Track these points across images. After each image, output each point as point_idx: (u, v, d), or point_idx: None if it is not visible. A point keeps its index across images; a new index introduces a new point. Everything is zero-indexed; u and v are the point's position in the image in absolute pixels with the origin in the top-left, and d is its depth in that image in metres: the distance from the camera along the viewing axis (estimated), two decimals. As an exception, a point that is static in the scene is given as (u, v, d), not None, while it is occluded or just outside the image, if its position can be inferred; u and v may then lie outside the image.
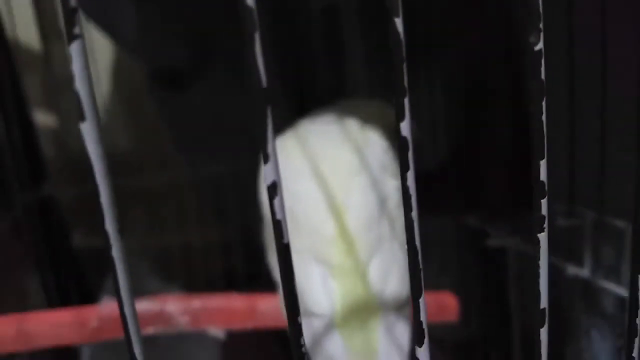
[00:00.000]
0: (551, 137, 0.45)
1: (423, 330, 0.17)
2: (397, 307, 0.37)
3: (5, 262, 0.60)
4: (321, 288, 0.37)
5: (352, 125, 0.44)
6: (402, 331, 0.37)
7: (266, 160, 0.15)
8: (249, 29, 0.14)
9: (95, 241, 0.81)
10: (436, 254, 0.59)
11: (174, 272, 0.73)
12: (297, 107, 0.76)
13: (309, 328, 0.37)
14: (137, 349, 0.14)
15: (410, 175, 0.17)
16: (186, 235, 0.74)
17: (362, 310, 0.37)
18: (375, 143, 0.43)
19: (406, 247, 0.39)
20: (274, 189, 0.15)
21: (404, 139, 0.18)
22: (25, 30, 0.66)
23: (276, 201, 0.16)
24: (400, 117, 0.18)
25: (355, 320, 0.36)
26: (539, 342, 0.20)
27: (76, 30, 0.12)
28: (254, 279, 0.76)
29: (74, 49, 0.13)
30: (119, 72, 0.92)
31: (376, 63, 0.65)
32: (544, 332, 0.20)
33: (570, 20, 0.38)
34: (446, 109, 0.54)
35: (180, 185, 0.74)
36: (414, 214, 0.17)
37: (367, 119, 0.45)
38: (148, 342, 0.54)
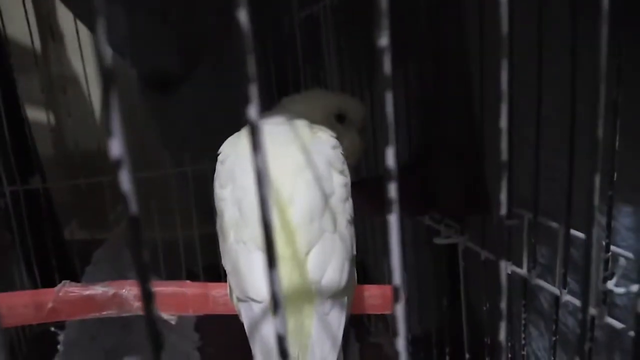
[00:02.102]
0: (493, 144, 0.45)
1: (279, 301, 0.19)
2: (333, 295, 0.39)
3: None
4: (262, 275, 0.39)
5: (301, 124, 0.46)
6: (336, 318, 0.39)
7: (110, 136, 0.17)
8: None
9: (85, 233, 0.85)
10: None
11: (158, 264, 0.76)
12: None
13: (249, 312, 0.39)
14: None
15: (264, 180, 0.19)
16: (170, 230, 0.76)
17: (299, 297, 0.38)
18: (323, 141, 0.45)
19: (347, 238, 0.41)
20: (119, 163, 0.17)
21: (254, 123, 0.18)
22: (23, 32, 0.69)
23: (122, 174, 0.17)
24: (250, 103, 0.19)
25: (291, 306, 0.38)
26: (398, 318, 0.21)
27: None
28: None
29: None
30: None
31: (348, 64, 0.68)
32: (399, 308, 0.21)
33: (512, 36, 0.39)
34: (407, 116, 0.55)
35: (166, 182, 0.77)
36: (268, 216, 0.18)
37: (312, 110, 0.48)
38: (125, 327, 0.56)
